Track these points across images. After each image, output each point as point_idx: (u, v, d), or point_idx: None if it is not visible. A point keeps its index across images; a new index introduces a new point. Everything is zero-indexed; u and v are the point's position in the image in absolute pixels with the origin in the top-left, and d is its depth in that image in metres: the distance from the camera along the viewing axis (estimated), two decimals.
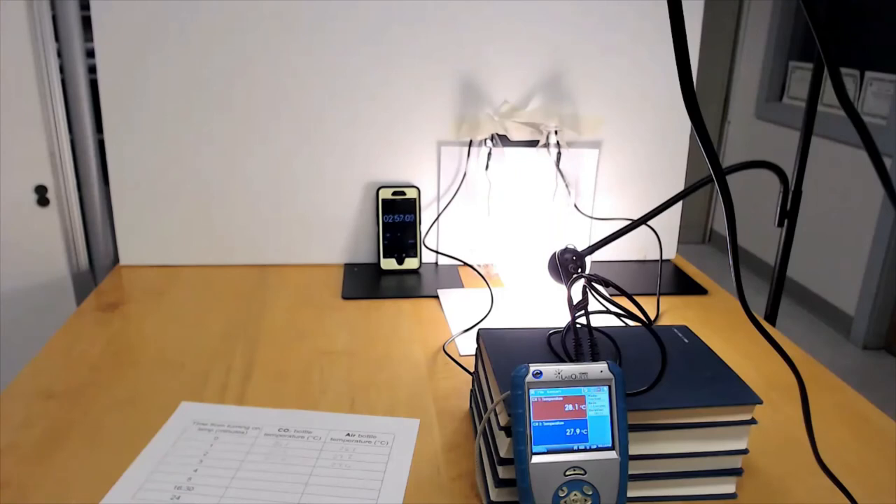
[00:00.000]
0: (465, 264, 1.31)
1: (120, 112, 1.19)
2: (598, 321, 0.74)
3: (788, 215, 1.18)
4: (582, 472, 0.61)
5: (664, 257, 1.38)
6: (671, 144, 1.33)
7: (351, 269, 1.29)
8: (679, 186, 1.35)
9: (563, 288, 0.79)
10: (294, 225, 1.29)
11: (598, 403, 0.63)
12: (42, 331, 1.02)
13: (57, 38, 1.18)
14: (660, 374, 0.68)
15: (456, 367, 0.95)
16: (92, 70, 1.19)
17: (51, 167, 1.22)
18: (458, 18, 1.21)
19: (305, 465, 0.73)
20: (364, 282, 1.23)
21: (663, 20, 1.25)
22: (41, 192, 1.23)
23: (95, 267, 1.31)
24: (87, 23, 1.16)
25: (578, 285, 0.76)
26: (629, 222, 0.89)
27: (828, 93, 2.90)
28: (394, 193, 1.27)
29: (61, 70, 1.20)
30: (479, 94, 1.25)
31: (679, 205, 1.14)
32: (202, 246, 1.28)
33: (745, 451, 0.70)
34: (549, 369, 0.63)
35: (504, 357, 0.72)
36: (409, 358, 0.97)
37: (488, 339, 0.77)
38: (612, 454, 0.62)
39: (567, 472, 0.61)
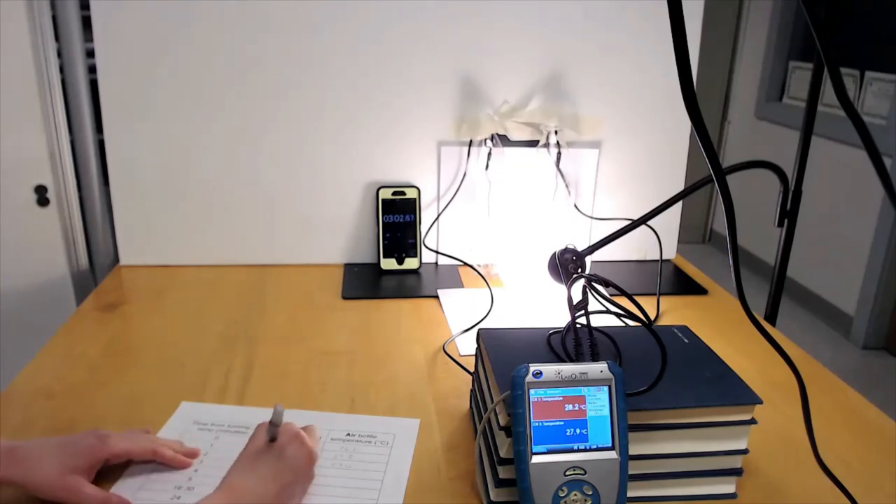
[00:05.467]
0: (465, 264, 1.31)
1: (120, 112, 1.19)
2: (598, 321, 0.74)
3: (788, 215, 1.18)
4: (582, 472, 0.61)
5: (664, 257, 1.38)
6: (671, 145, 1.33)
7: (351, 269, 1.29)
8: (679, 186, 1.35)
9: (563, 288, 0.79)
10: (294, 225, 1.29)
11: (598, 403, 0.63)
12: (42, 331, 1.02)
13: (57, 38, 1.18)
14: (660, 374, 0.68)
15: (456, 367, 0.95)
16: (92, 70, 1.19)
17: (51, 167, 1.22)
18: (458, 18, 1.20)
19: None
20: (364, 282, 1.23)
21: (663, 20, 1.25)
22: (41, 192, 1.23)
23: (95, 267, 1.31)
24: (87, 23, 1.16)
25: (578, 285, 0.76)
26: (629, 222, 0.89)
27: (828, 93, 2.90)
28: (394, 193, 1.27)
29: (61, 70, 1.20)
30: (479, 94, 1.25)
31: (679, 205, 1.14)
32: (202, 246, 1.28)
33: (745, 451, 0.70)
34: (549, 369, 0.63)
35: (504, 357, 0.72)
36: (409, 358, 0.97)
37: (488, 339, 0.77)
38: (612, 454, 0.62)
39: (567, 472, 0.61)
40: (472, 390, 0.84)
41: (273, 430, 0.67)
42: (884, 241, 2.83)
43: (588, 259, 0.87)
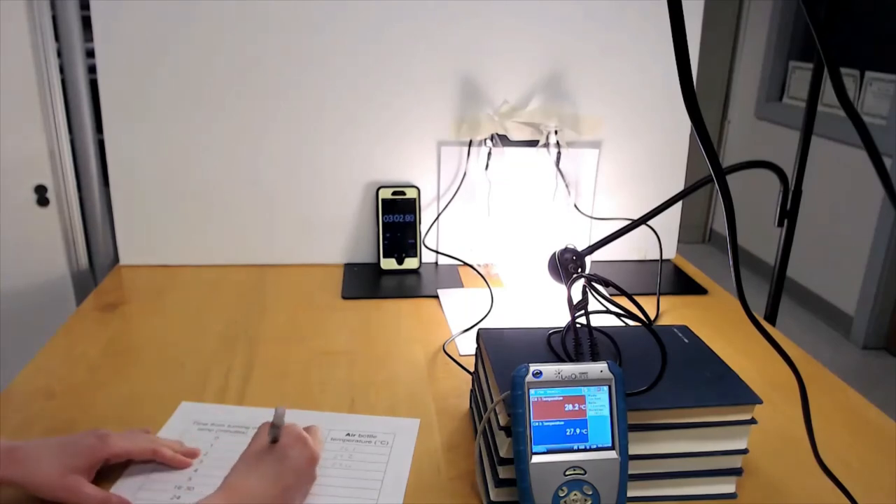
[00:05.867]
0: (465, 264, 1.31)
1: (120, 112, 1.19)
2: (598, 321, 0.74)
3: (788, 215, 1.18)
4: (582, 472, 0.61)
5: (664, 257, 1.38)
6: (671, 144, 1.33)
7: (351, 269, 1.29)
8: (679, 186, 1.35)
9: (563, 288, 0.79)
10: (294, 225, 1.29)
11: (598, 403, 0.63)
12: (42, 331, 1.02)
13: (57, 38, 1.18)
14: (660, 374, 0.68)
15: (456, 367, 0.95)
16: (92, 70, 1.19)
17: (51, 167, 1.22)
18: (459, 18, 1.20)
19: None
20: (364, 282, 1.23)
21: (664, 20, 1.24)
22: (41, 192, 1.23)
23: (95, 267, 1.31)
24: (87, 23, 1.16)
25: (578, 285, 0.76)
26: (629, 222, 0.89)
27: (828, 93, 2.90)
28: (394, 193, 1.27)
29: (61, 70, 1.20)
30: (479, 94, 1.25)
31: (679, 205, 1.14)
32: (202, 246, 1.28)
33: (745, 451, 0.70)
34: (549, 369, 0.63)
35: (504, 357, 0.72)
36: (409, 358, 0.97)
37: (488, 339, 0.77)
38: (612, 454, 0.62)
39: (567, 472, 0.61)
40: (472, 390, 0.84)
41: (275, 432, 0.67)
42: (884, 241, 2.83)
43: (588, 259, 0.87)
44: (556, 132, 1.24)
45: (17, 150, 1.20)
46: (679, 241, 1.41)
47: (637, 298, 0.70)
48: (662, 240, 1.30)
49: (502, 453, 0.65)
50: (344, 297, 1.17)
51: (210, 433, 0.78)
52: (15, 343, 1.26)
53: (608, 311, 0.74)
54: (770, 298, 1.30)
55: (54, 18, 1.17)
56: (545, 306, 1.11)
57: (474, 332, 1.02)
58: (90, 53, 1.17)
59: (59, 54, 1.19)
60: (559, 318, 0.77)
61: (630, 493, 0.65)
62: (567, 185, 1.28)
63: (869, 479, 0.74)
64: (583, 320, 0.73)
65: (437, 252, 1.32)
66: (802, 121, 1.20)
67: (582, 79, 1.27)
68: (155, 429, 0.78)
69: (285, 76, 1.20)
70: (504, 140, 1.25)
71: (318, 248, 1.31)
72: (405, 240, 1.28)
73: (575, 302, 0.73)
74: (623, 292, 0.70)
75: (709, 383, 0.71)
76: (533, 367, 0.62)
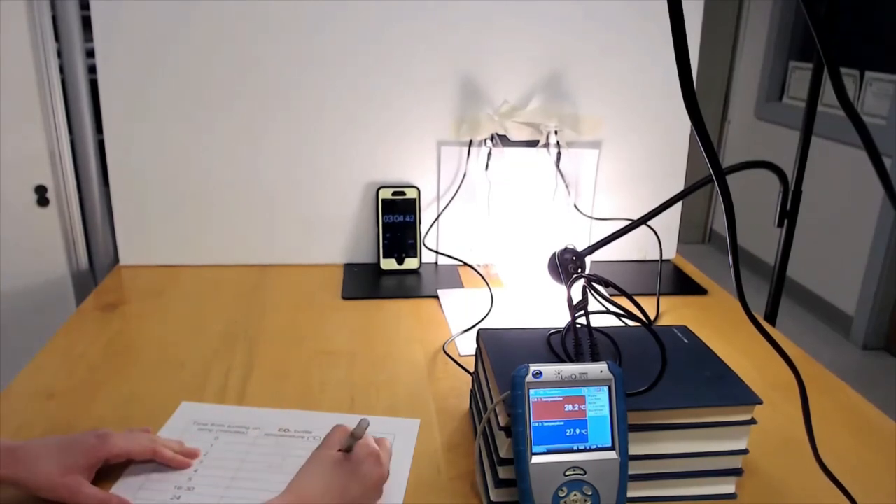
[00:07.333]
0: (465, 264, 1.31)
1: (120, 112, 1.19)
2: (598, 321, 0.74)
3: (788, 215, 1.18)
4: (582, 472, 0.61)
5: (664, 257, 1.37)
6: (671, 144, 1.33)
7: (351, 269, 1.29)
8: (679, 186, 1.35)
9: (563, 288, 0.79)
10: (294, 225, 1.29)
11: (598, 403, 0.63)
12: (42, 331, 1.02)
13: (57, 38, 1.18)
14: (660, 374, 0.68)
15: (456, 367, 0.95)
16: (92, 70, 1.19)
17: (51, 167, 1.22)
18: (459, 18, 1.20)
19: None
20: (364, 282, 1.23)
21: (664, 20, 1.24)
22: (41, 192, 1.23)
23: (95, 267, 1.31)
24: (87, 23, 1.16)
25: (578, 285, 0.76)
26: (629, 222, 0.89)
27: (828, 93, 2.89)
28: (394, 193, 1.27)
29: (61, 70, 1.20)
30: (479, 94, 1.25)
31: (679, 205, 1.14)
32: (202, 246, 1.28)
33: (745, 452, 0.70)
34: (549, 369, 0.63)
35: (504, 357, 0.72)
36: (409, 358, 0.97)
37: (488, 339, 0.77)
38: (612, 454, 0.62)
39: (567, 473, 0.61)
40: (472, 390, 0.84)
41: (351, 442, 0.66)
42: (884, 241, 2.83)
43: (588, 259, 0.87)
44: (556, 132, 1.24)
45: (17, 150, 1.20)
46: (679, 241, 1.41)
47: (637, 298, 0.70)
48: (662, 240, 1.30)
49: (502, 453, 0.65)
50: (344, 298, 1.17)
51: (210, 433, 0.78)
52: (15, 343, 1.26)
53: (608, 312, 0.74)
54: (770, 298, 1.30)
55: (54, 18, 1.17)
56: (545, 306, 1.11)
57: (474, 332, 1.02)
58: (90, 53, 1.17)
59: (59, 54, 1.19)
60: (559, 318, 0.77)
61: (630, 494, 0.65)
62: (567, 185, 1.28)
63: (869, 479, 0.74)
64: (583, 320, 0.73)
65: (437, 252, 1.32)
66: (802, 121, 1.20)
67: (582, 79, 1.27)
68: (155, 429, 0.78)
69: (285, 76, 1.20)
70: (504, 140, 1.25)
71: (318, 248, 1.31)
72: (405, 240, 1.28)
73: (575, 302, 0.73)
74: (623, 292, 0.70)
75: (709, 383, 0.71)
76: (533, 368, 0.62)
